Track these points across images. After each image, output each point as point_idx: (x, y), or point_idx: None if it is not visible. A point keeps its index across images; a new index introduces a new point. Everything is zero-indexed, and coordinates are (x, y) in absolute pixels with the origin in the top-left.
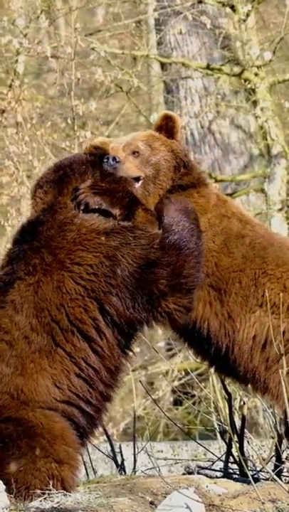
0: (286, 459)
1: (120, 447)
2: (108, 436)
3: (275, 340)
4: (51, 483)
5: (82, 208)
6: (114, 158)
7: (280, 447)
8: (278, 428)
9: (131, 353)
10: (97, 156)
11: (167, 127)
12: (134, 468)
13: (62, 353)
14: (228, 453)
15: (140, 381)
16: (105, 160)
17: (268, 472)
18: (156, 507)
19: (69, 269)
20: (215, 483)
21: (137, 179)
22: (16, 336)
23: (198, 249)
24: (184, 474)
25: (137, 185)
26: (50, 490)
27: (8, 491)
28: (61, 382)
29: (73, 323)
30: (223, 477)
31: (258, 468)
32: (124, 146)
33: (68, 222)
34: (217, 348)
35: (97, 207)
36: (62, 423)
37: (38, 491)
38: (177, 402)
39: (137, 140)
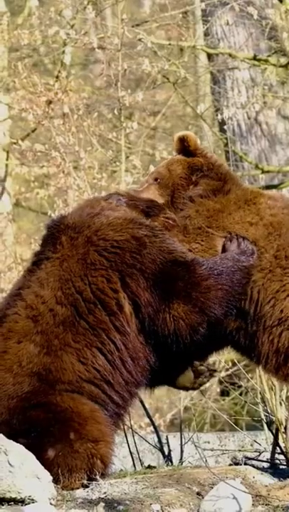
0: None
1: (167, 438)
2: (155, 427)
3: None
4: (91, 461)
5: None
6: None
7: None
8: None
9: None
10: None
11: (184, 148)
12: (181, 459)
13: (85, 325)
14: (275, 443)
15: None
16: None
17: None
18: (203, 498)
19: (95, 243)
20: (262, 473)
21: None
22: (42, 310)
23: (230, 287)
24: (230, 465)
25: None
26: (92, 471)
27: (53, 479)
28: (85, 357)
29: (95, 293)
30: (270, 468)
31: None
32: (148, 176)
33: (96, 212)
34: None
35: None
36: (91, 405)
37: (84, 481)
38: (224, 393)
39: (159, 167)
